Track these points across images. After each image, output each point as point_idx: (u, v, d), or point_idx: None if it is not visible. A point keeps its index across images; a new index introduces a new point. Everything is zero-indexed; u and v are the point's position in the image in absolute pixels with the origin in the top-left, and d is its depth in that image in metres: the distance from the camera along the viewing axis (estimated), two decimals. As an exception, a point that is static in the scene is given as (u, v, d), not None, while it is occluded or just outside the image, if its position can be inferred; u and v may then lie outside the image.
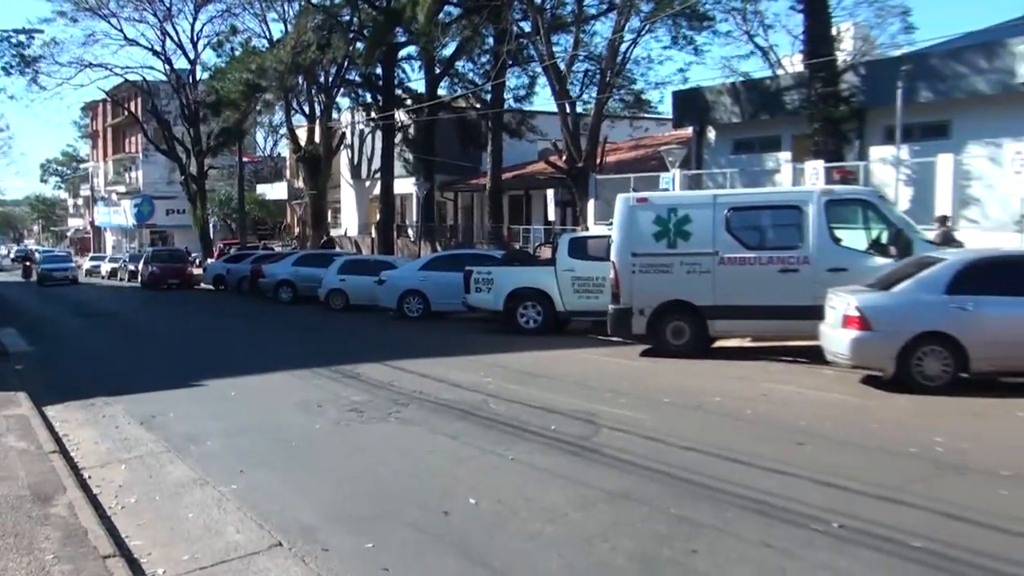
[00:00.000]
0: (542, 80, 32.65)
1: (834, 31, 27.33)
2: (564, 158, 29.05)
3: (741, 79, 29.72)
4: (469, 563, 5.69)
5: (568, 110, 28.87)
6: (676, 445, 8.41)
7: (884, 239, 13.59)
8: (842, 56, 27.04)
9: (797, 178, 21.56)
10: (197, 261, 47.72)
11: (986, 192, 19.84)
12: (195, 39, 49.99)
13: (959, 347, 10.58)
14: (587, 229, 24.64)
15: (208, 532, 6.34)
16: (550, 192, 31.13)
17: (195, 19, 49.62)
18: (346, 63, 40.69)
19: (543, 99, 43.75)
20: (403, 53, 39.50)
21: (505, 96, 35.44)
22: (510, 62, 32.79)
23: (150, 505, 7.03)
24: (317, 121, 44.93)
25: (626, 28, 28.47)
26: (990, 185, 19.48)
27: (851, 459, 7.93)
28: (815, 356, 12.56)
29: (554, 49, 29.66)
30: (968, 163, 20.18)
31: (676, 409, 10.37)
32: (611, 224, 15.54)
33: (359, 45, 38.44)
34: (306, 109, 46.56)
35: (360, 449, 8.73)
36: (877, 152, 23.02)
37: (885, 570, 5.33)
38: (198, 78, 50.48)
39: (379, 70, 39.00)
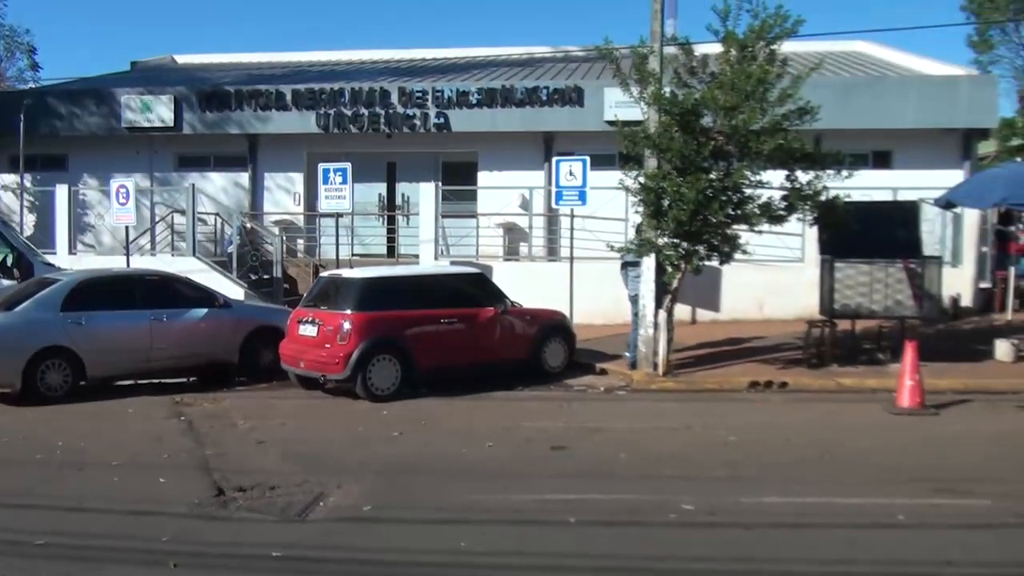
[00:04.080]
0: None
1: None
2: None
3: None
4: None
5: None
6: None
7: (9, 262, 12.82)
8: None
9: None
10: None
11: (100, 221, 20.07)
12: None
13: (77, 358, 10.49)
14: None
15: None
16: None
17: None
18: None
19: None
20: None
21: None
22: None
23: None
24: None
25: None
26: (101, 215, 19.77)
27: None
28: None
29: None
30: (85, 194, 20.11)
31: None
32: None
33: None
34: None
35: None
36: (3, 179, 21.24)
37: (6, 568, 5.07)
38: None
39: None
